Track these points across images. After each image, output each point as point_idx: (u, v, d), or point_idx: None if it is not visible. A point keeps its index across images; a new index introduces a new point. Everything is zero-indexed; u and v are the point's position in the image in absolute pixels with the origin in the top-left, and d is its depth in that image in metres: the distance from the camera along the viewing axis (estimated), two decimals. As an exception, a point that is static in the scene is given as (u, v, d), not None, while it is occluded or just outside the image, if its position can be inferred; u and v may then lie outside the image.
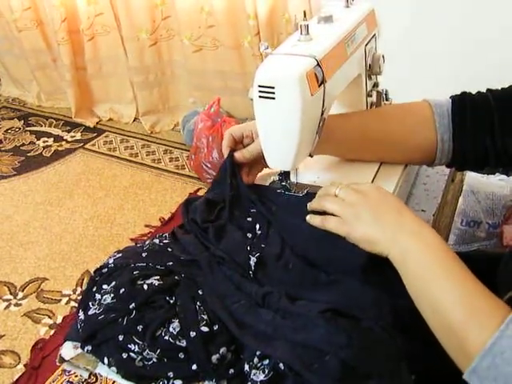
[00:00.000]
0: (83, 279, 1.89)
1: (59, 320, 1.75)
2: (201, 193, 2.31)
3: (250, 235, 0.78)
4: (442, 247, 0.64)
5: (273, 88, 0.73)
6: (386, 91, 1.06)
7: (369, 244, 0.67)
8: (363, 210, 0.68)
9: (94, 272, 0.82)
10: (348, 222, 0.69)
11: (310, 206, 0.76)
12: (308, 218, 0.75)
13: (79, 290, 1.85)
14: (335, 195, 0.73)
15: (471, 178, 1.64)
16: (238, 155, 0.87)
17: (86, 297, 0.78)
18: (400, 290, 0.65)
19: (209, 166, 2.34)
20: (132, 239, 2.07)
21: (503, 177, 1.66)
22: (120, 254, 0.83)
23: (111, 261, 0.81)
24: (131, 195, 2.37)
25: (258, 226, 0.79)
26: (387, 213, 0.67)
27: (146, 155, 2.68)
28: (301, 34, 0.80)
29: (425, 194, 1.02)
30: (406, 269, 0.64)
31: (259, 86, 0.74)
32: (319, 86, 0.75)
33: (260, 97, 0.75)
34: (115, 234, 2.13)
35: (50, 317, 1.76)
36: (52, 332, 1.70)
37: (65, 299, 1.83)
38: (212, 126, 2.37)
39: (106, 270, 0.80)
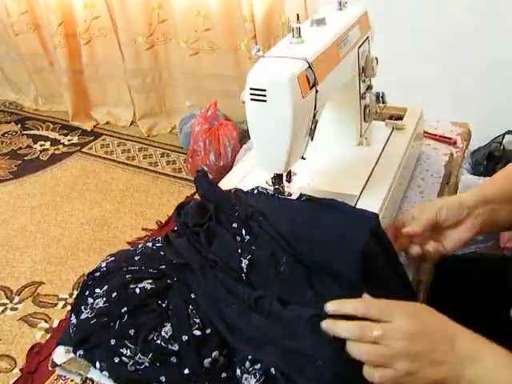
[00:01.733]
0: (79, 283, 1.89)
1: (55, 324, 1.75)
2: (197, 196, 2.30)
3: (238, 238, 0.78)
4: (510, 362, 0.58)
5: (264, 91, 0.72)
6: (383, 94, 1.06)
7: None
8: (415, 358, 0.58)
9: (87, 276, 0.81)
10: (405, 376, 0.58)
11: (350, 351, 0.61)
12: (368, 372, 0.60)
13: (76, 293, 1.85)
14: (374, 339, 0.59)
15: (467, 180, 1.64)
16: (410, 230, 0.80)
17: (78, 301, 0.77)
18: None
19: (205, 169, 2.34)
20: (129, 243, 2.07)
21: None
22: (113, 258, 0.83)
23: (104, 264, 0.81)
24: (128, 198, 2.37)
25: (243, 232, 0.78)
26: (438, 348, 0.58)
27: (143, 158, 2.68)
28: (293, 36, 0.80)
29: (419, 197, 1.02)
30: None
31: (251, 89, 0.74)
32: (311, 89, 0.75)
33: (252, 99, 0.74)
34: (112, 238, 2.12)
35: (46, 321, 1.76)
36: (48, 336, 1.69)
37: (61, 303, 1.83)
38: (209, 129, 2.37)
39: (99, 273, 0.80)
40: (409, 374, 0.58)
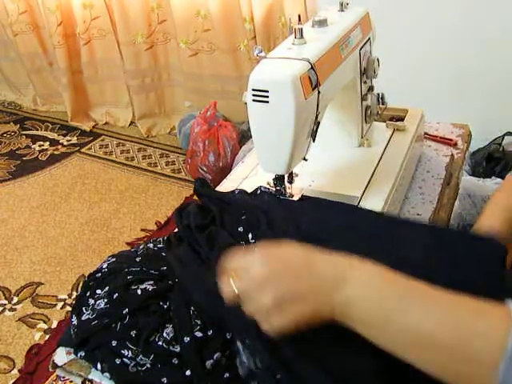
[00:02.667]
0: (79, 284, 1.89)
1: (54, 325, 1.74)
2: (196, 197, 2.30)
3: (243, 242, 0.77)
4: (380, 276, 0.54)
5: (266, 92, 0.73)
6: (383, 95, 1.06)
7: (310, 321, 0.56)
8: (277, 301, 0.55)
9: (88, 277, 0.81)
10: (273, 318, 0.56)
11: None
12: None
13: (74, 294, 1.84)
14: (235, 292, 0.58)
15: (467, 181, 1.64)
16: None
17: (79, 302, 0.77)
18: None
19: (205, 169, 2.33)
20: (128, 243, 2.07)
21: (499, 180, 1.66)
22: (114, 259, 0.83)
23: (105, 265, 0.81)
24: (127, 199, 2.36)
25: (250, 236, 0.77)
26: (300, 282, 0.55)
27: (142, 159, 2.68)
28: (295, 37, 0.80)
29: (420, 198, 1.02)
30: (358, 320, 0.53)
31: (253, 90, 0.74)
32: (313, 90, 0.75)
33: (254, 100, 0.74)
34: (111, 238, 2.12)
35: (45, 322, 1.76)
36: (47, 337, 1.69)
37: (60, 304, 1.82)
38: (208, 129, 2.36)
39: (100, 274, 0.80)
40: (275, 315, 0.55)
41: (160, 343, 0.68)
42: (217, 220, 0.81)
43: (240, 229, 0.78)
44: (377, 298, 0.52)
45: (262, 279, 0.56)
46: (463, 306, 0.51)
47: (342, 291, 0.53)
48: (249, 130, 0.80)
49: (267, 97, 0.73)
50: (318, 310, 0.55)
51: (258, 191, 0.88)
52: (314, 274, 0.55)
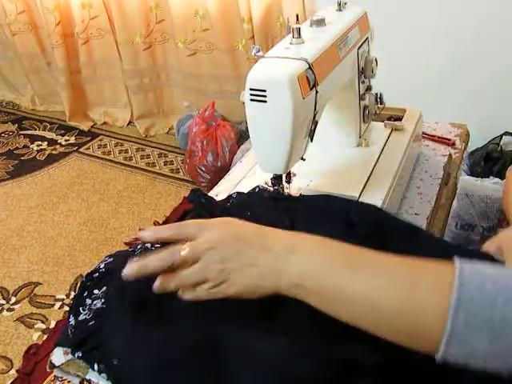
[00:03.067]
0: (77, 284, 1.88)
1: (52, 325, 1.74)
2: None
3: None
4: (328, 247, 0.55)
5: (264, 91, 0.72)
6: (381, 94, 1.06)
7: (253, 292, 0.55)
8: (223, 267, 0.55)
9: (85, 277, 0.81)
10: (218, 285, 0.56)
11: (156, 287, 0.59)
12: (180, 293, 0.59)
13: (72, 294, 1.84)
14: (184, 258, 0.57)
15: (465, 181, 1.64)
16: None
17: (76, 302, 0.77)
18: None
19: (203, 169, 2.33)
20: (126, 243, 2.06)
21: (497, 180, 1.67)
22: (111, 259, 0.82)
23: (102, 265, 0.80)
24: (125, 199, 2.36)
25: None
26: (248, 250, 0.55)
27: (141, 159, 2.68)
28: (293, 37, 0.80)
29: (418, 198, 1.02)
30: (310, 292, 0.53)
31: (251, 89, 0.74)
32: (311, 89, 0.75)
33: (251, 100, 0.74)
34: (109, 238, 2.12)
35: (42, 322, 1.75)
36: (45, 337, 1.68)
37: (58, 304, 1.82)
38: (206, 129, 2.37)
39: (97, 274, 0.79)
40: (220, 282, 0.55)
41: (157, 343, 0.68)
42: None
43: None
44: (326, 268, 0.53)
45: (212, 242, 0.55)
46: (409, 266, 0.51)
47: (291, 263, 0.53)
48: (247, 129, 0.80)
49: (265, 96, 0.73)
50: (263, 280, 0.54)
51: (257, 189, 0.87)
52: (264, 243, 0.55)
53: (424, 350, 0.49)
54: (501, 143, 1.94)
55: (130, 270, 0.59)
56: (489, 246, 0.72)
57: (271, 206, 0.82)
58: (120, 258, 0.83)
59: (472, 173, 1.89)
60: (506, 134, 1.94)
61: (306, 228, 0.62)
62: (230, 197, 0.89)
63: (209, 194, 0.99)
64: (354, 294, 0.51)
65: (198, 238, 0.57)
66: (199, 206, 0.84)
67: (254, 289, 0.55)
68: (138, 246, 0.86)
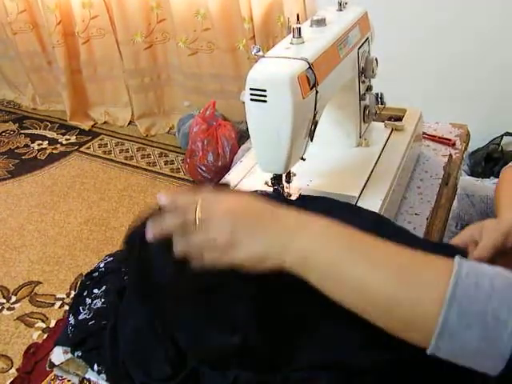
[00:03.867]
0: (77, 283, 1.88)
1: (52, 324, 1.74)
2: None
3: None
4: (335, 230, 0.56)
5: (264, 91, 0.72)
6: (381, 95, 1.06)
7: (257, 263, 0.56)
8: (235, 231, 0.56)
9: (85, 276, 0.81)
10: (225, 250, 0.57)
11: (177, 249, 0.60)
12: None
13: (73, 293, 1.84)
14: (195, 222, 0.58)
15: (465, 181, 1.64)
16: (476, 256, 0.70)
17: (76, 301, 0.77)
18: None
19: (204, 169, 2.33)
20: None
21: (498, 180, 1.66)
22: (111, 258, 0.83)
23: (102, 265, 0.81)
24: (126, 198, 2.36)
25: None
26: (261, 220, 0.57)
27: (141, 158, 2.68)
28: (293, 37, 0.80)
29: (418, 198, 1.02)
30: (313, 270, 0.54)
31: (251, 89, 0.74)
32: (311, 89, 0.75)
33: (252, 100, 0.74)
34: (110, 238, 2.12)
35: (43, 321, 1.75)
36: (45, 336, 1.68)
37: (58, 303, 1.82)
38: (207, 129, 2.36)
39: (97, 274, 0.80)
40: (229, 246, 0.56)
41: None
42: None
43: None
44: (329, 248, 0.54)
45: (225, 211, 0.57)
46: (409, 257, 0.53)
47: (299, 240, 0.55)
48: (248, 129, 0.80)
49: (265, 96, 0.73)
50: (269, 252, 0.55)
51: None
52: (275, 218, 0.57)
53: (416, 341, 0.50)
54: (501, 143, 1.94)
55: (149, 231, 0.61)
56: (457, 239, 0.74)
57: None
58: (119, 258, 0.83)
59: (473, 173, 1.89)
60: (507, 134, 1.94)
61: None
62: None
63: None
64: (353, 275, 0.52)
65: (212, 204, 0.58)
66: None
67: (259, 259, 0.56)
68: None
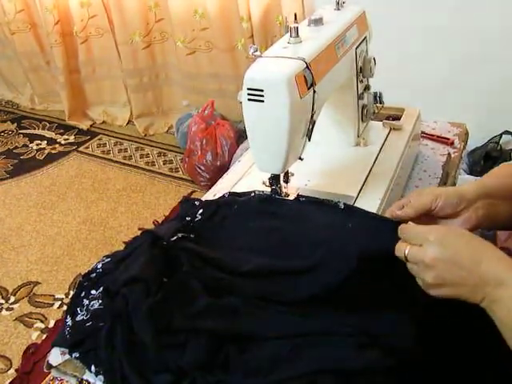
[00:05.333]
0: (76, 283, 1.88)
1: (51, 324, 1.74)
2: (194, 195, 2.29)
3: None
4: None
5: (262, 91, 0.72)
6: (380, 94, 1.06)
7: (456, 298, 0.64)
8: (438, 278, 0.64)
9: (83, 277, 0.80)
10: (431, 287, 0.65)
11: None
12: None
13: (72, 293, 1.84)
14: (405, 256, 0.67)
15: (464, 180, 1.64)
16: (401, 213, 0.77)
17: (73, 302, 0.77)
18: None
19: (202, 168, 2.33)
20: (125, 243, 2.04)
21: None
22: (109, 259, 0.82)
23: (99, 265, 0.80)
24: (124, 198, 2.36)
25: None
26: (464, 271, 0.63)
27: (140, 158, 2.68)
28: (290, 36, 0.80)
29: (417, 197, 1.02)
30: (498, 319, 0.61)
31: (248, 89, 0.73)
32: (308, 89, 0.74)
33: (249, 99, 0.74)
34: (108, 238, 2.12)
35: (42, 321, 1.75)
36: (44, 336, 1.68)
37: (57, 303, 1.82)
38: (206, 128, 2.36)
39: (95, 275, 0.79)
40: (434, 285, 0.64)
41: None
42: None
43: None
44: None
45: (432, 260, 0.63)
46: None
47: (495, 290, 0.60)
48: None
49: (262, 96, 0.72)
50: (468, 298, 0.62)
51: (252, 194, 0.88)
52: (477, 272, 0.62)
53: None
54: (500, 142, 1.94)
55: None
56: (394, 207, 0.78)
57: (260, 208, 0.83)
58: (117, 258, 0.82)
59: (472, 172, 1.89)
60: (506, 132, 1.93)
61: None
62: (222, 197, 0.90)
63: (207, 194, 0.99)
64: None
65: (420, 245, 0.65)
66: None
67: (458, 297, 0.64)
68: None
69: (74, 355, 0.71)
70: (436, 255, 0.63)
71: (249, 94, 0.74)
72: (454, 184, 1.14)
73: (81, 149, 2.81)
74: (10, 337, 1.70)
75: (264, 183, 0.89)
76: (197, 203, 0.89)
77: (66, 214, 2.29)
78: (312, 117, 0.79)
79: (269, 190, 0.88)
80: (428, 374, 0.62)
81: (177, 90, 2.81)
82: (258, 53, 0.76)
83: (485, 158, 1.90)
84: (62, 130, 3.02)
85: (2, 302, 1.84)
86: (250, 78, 0.73)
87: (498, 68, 1.86)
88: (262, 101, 0.73)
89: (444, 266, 0.63)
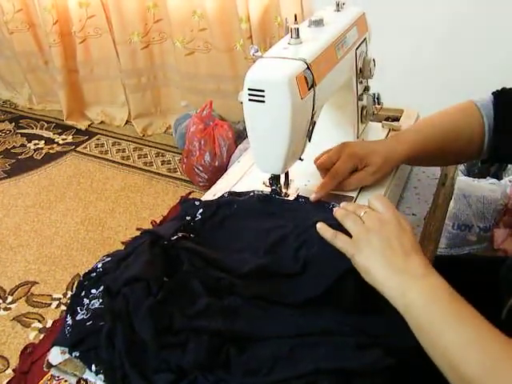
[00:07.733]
0: (74, 283, 1.88)
1: (49, 324, 1.74)
2: (192, 196, 2.29)
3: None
4: (447, 295, 0.61)
5: (262, 91, 0.72)
6: (378, 95, 1.07)
7: (367, 275, 0.65)
8: (376, 239, 0.66)
9: (83, 276, 0.80)
10: (357, 246, 0.67)
11: (335, 213, 0.73)
12: (319, 226, 0.72)
13: (69, 293, 1.84)
14: (360, 216, 0.70)
15: (462, 181, 1.64)
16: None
17: (74, 301, 0.77)
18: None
19: (201, 169, 2.33)
20: (123, 243, 2.06)
21: (494, 180, 1.67)
22: (109, 258, 0.82)
23: (100, 265, 0.80)
24: (123, 198, 2.36)
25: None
26: (396, 250, 0.65)
27: (138, 158, 2.68)
28: (291, 37, 0.80)
29: (416, 198, 1.02)
30: (411, 319, 0.61)
31: (249, 89, 0.74)
32: (309, 90, 0.75)
33: (250, 100, 0.74)
34: (106, 238, 2.11)
35: (39, 321, 1.75)
36: (42, 336, 1.68)
37: (55, 303, 1.82)
38: (204, 129, 2.36)
39: (95, 274, 0.79)
40: (367, 230, 0.67)
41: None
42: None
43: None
44: (429, 311, 0.59)
45: (380, 222, 0.67)
46: (506, 350, 0.54)
47: (413, 288, 0.61)
48: (245, 129, 0.80)
49: (263, 96, 0.73)
50: (384, 283, 0.63)
51: (251, 193, 0.88)
52: (406, 262, 0.64)
53: None
54: (498, 144, 1.94)
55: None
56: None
57: (258, 208, 0.83)
58: (117, 258, 0.82)
59: (469, 173, 1.89)
60: (503, 134, 1.94)
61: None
62: (222, 197, 0.90)
63: (206, 194, 0.99)
64: (445, 344, 0.56)
65: (378, 211, 0.70)
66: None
67: (368, 275, 0.65)
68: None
69: (74, 354, 0.71)
70: (393, 219, 0.68)
71: (250, 95, 0.74)
72: (452, 185, 1.15)
73: (79, 149, 2.81)
74: (8, 337, 1.70)
75: (264, 183, 0.89)
76: (197, 203, 0.89)
77: (63, 214, 2.28)
78: (312, 117, 0.79)
79: (269, 189, 0.88)
80: (428, 374, 0.63)
81: (175, 90, 2.81)
82: (258, 53, 0.77)
83: (482, 160, 1.91)
84: (59, 130, 3.01)
85: (0, 301, 1.84)
86: (251, 79, 0.74)
87: (499, 69, 1.87)
88: (263, 101, 0.73)
89: (392, 229, 0.66)
